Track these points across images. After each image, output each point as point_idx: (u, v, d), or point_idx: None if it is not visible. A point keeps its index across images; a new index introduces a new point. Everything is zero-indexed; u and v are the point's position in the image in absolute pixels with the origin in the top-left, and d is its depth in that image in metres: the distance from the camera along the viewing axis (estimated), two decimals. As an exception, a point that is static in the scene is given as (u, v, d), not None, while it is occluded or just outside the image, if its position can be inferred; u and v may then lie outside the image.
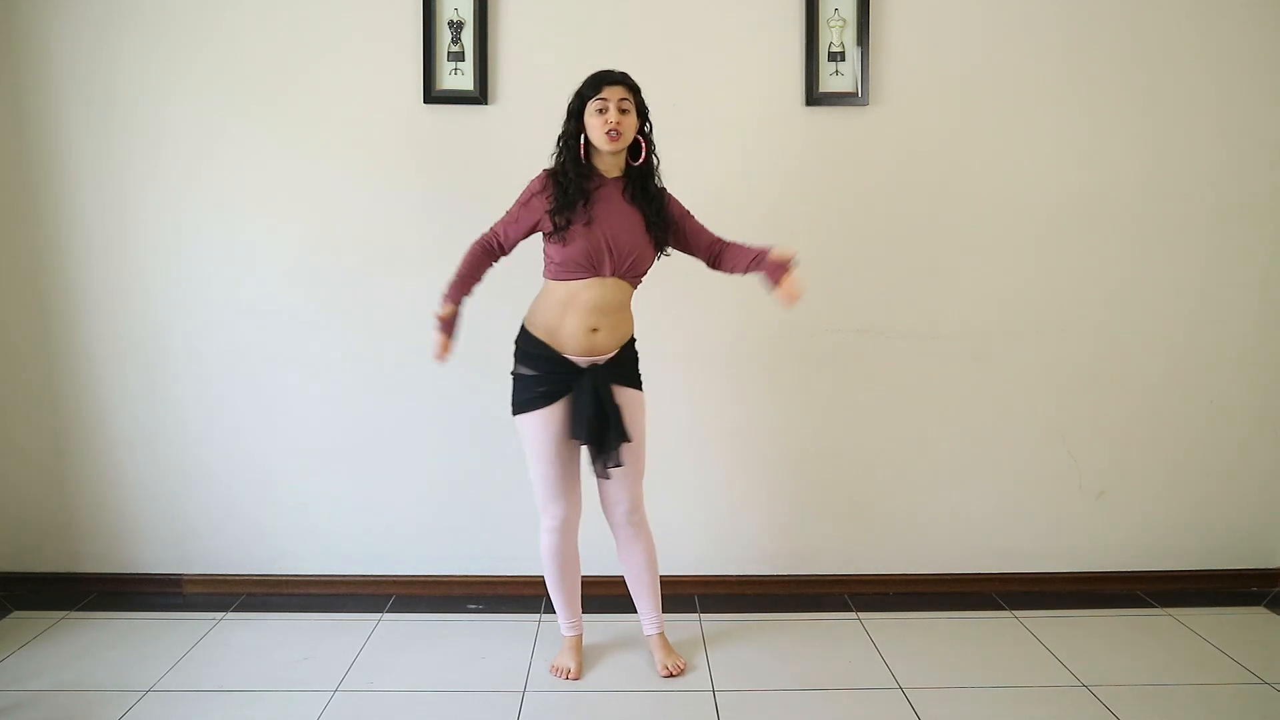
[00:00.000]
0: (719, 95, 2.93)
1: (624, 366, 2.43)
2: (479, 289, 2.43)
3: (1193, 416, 3.07)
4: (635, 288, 2.41)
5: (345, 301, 2.98)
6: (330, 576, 3.07)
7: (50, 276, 2.95)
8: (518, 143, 2.89)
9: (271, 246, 2.96)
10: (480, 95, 2.90)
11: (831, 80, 2.92)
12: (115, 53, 2.87)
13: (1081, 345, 3.03)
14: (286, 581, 3.07)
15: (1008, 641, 2.74)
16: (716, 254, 2.44)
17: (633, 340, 2.47)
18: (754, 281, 2.96)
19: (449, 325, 2.38)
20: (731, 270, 2.42)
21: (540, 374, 2.36)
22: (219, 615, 2.90)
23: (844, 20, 2.91)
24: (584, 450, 2.44)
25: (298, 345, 2.99)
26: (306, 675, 2.52)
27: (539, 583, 3.02)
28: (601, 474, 2.43)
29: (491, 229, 2.40)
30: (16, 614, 2.88)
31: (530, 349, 2.38)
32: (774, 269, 2.31)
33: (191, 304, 2.97)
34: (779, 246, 2.33)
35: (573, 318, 2.32)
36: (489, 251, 2.40)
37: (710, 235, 2.44)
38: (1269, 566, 3.14)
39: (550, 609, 2.92)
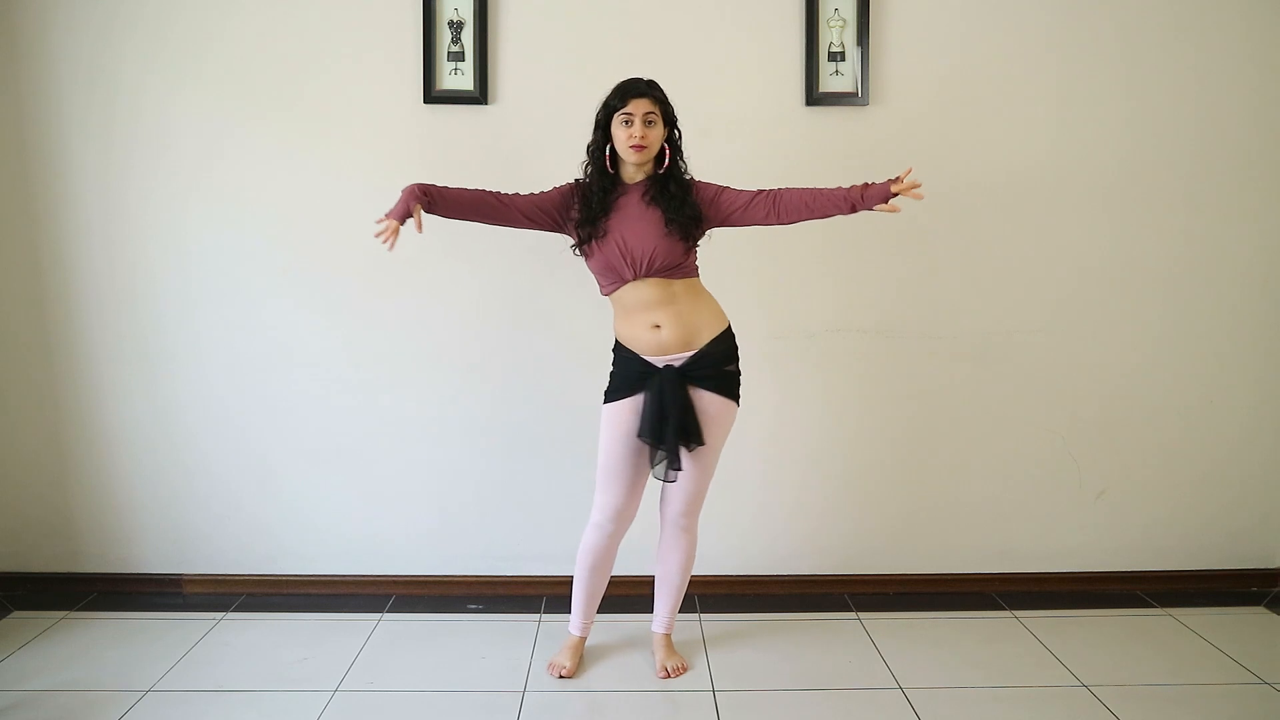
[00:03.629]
0: (719, 95, 2.93)
1: (703, 369, 2.36)
2: (452, 225, 2.39)
3: (1193, 416, 3.08)
4: (682, 278, 2.36)
5: (346, 301, 2.97)
6: (330, 576, 3.07)
7: (51, 276, 2.95)
8: (518, 143, 2.90)
9: (272, 246, 2.96)
10: (480, 95, 2.90)
11: (831, 80, 2.92)
12: (116, 52, 2.87)
13: (1082, 345, 3.03)
14: (286, 581, 3.07)
15: (1008, 641, 2.74)
16: (774, 207, 2.32)
17: (724, 338, 2.40)
18: (752, 280, 2.98)
19: (404, 217, 2.22)
20: (811, 217, 2.32)
21: (619, 371, 2.42)
22: (219, 615, 2.90)
23: (844, 20, 2.91)
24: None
25: (298, 345, 2.99)
26: (306, 675, 2.52)
27: (539, 583, 3.03)
28: (660, 477, 2.39)
29: (516, 196, 2.38)
30: (16, 614, 2.88)
31: (619, 350, 2.44)
32: (882, 197, 2.23)
33: (191, 303, 2.97)
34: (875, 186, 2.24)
35: (632, 321, 2.37)
36: (512, 207, 2.35)
37: (749, 194, 2.36)
38: (1269, 566, 3.14)
39: (550, 609, 2.93)
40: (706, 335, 2.38)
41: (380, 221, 2.22)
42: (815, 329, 3.00)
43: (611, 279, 2.36)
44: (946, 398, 3.04)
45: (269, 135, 2.92)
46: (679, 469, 2.37)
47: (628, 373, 2.40)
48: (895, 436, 3.06)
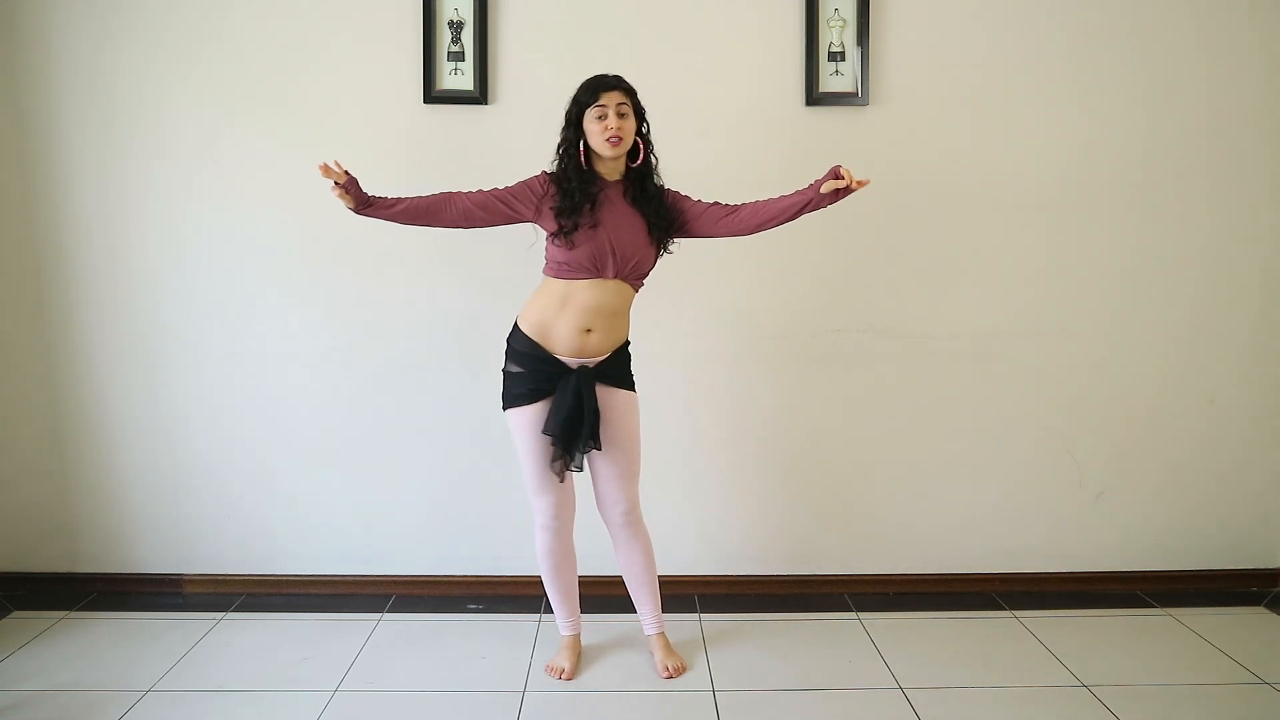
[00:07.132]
0: (719, 95, 2.93)
1: (614, 368, 2.42)
2: (395, 226, 2.44)
3: (1193, 416, 3.07)
4: (636, 290, 2.42)
5: (345, 301, 2.98)
6: (330, 576, 3.07)
7: (50, 276, 2.95)
8: (518, 143, 2.89)
9: (271, 246, 2.96)
10: (480, 95, 2.90)
11: (831, 80, 2.92)
12: (116, 52, 2.87)
13: (1082, 345, 3.03)
14: (286, 581, 3.07)
15: (1008, 641, 2.74)
16: (734, 213, 2.36)
17: (626, 344, 2.47)
18: (753, 280, 2.98)
19: (346, 185, 2.31)
20: (771, 225, 2.35)
21: (527, 372, 2.37)
22: (219, 615, 2.90)
23: (844, 20, 2.91)
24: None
25: (297, 345, 2.99)
26: (306, 675, 2.52)
27: (539, 582, 3.02)
28: (558, 473, 2.41)
29: (468, 193, 2.36)
30: (16, 614, 2.88)
31: (520, 348, 2.39)
32: (833, 196, 2.28)
33: (191, 304, 2.97)
34: (826, 183, 2.27)
35: (568, 317, 2.33)
36: (450, 207, 2.35)
37: (705, 204, 2.39)
38: (1269, 566, 3.14)
39: (550, 609, 2.93)
40: (617, 344, 2.42)
41: (336, 172, 2.29)
42: (815, 329, 3.00)
43: (585, 272, 2.32)
44: (947, 397, 3.04)
45: (268, 135, 2.92)
46: (580, 469, 2.39)
47: (538, 373, 2.36)
48: (895, 436, 3.06)
